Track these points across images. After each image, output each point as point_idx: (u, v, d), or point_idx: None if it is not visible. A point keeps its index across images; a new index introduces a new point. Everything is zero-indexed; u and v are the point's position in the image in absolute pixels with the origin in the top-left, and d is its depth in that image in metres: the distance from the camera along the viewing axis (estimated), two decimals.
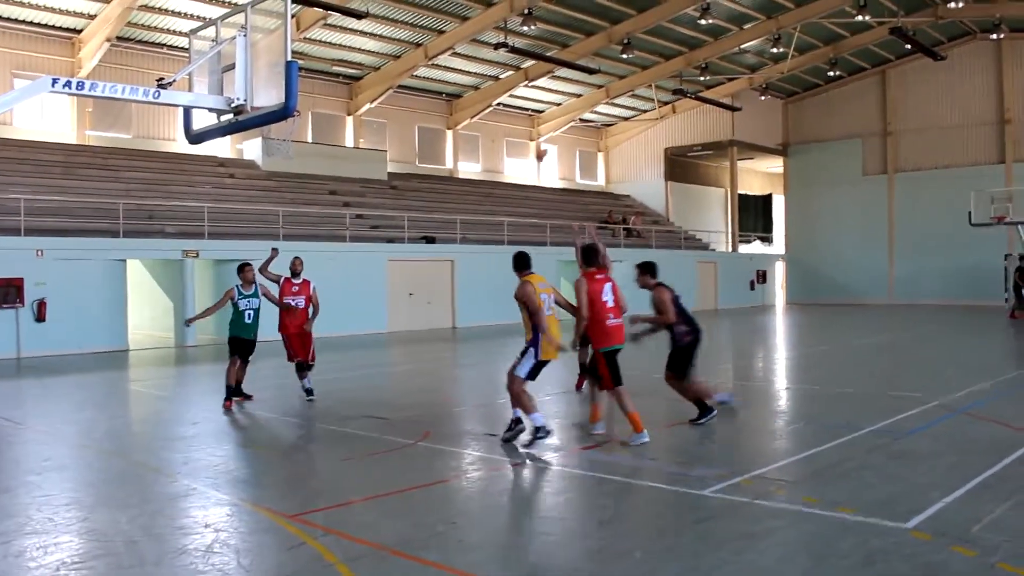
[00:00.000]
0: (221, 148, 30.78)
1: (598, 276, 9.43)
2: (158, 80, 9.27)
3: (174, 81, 9.47)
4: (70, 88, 8.76)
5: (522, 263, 9.39)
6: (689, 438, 9.50)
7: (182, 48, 28.14)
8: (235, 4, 23.50)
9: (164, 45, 29.21)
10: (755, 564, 5.36)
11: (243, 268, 12.61)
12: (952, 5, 32.15)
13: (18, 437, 10.34)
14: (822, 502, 6.53)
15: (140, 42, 28.88)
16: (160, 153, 29.50)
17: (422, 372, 16.99)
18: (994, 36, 37.39)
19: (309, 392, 12.63)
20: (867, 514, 6.18)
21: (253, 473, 8.14)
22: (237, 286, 12.46)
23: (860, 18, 33.12)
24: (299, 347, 12.66)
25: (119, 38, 27.53)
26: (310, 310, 12.94)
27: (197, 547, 5.83)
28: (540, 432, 8.81)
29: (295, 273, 12.92)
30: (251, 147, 31.36)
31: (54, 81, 8.44)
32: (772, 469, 7.81)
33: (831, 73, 41.96)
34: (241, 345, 12.52)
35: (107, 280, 22.04)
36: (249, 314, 12.44)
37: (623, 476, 7.69)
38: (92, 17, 26.75)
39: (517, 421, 9.17)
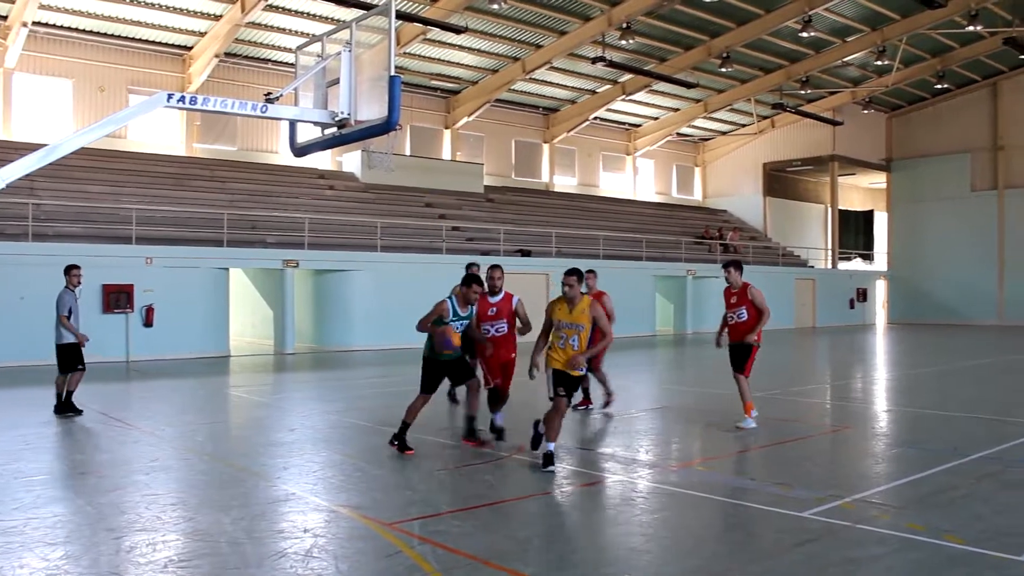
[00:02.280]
0: (322, 161, 31.50)
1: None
2: (266, 95, 9.55)
3: (281, 96, 9.74)
4: (184, 103, 9.09)
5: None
6: (787, 459, 9.31)
7: (286, 63, 28.97)
8: (340, 20, 24.12)
9: (269, 60, 30.10)
10: None
11: (470, 282, 9.47)
12: None
13: (127, 437, 10.71)
14: (928, 529, 6.31)
15: (247, 58, 29.82)
16: (263, 165, 30.36)
17: (515, 386, 17.01)
18: None
19: (500, 433, 10.11)
20: (976, 545, 5.94)
21: (350, 480, 8.26)
22: (450, 299, 9.51)
23: (971, 28, 32.13)
24: (501, 373, 10.26)
25: (227, 54, 28.49)
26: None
27: (297, 551, 5.94)
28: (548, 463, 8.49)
29: (493, 290, 10.19)
30: (351, 160, 32.03)
31: (170, 96, 8.77)
32: (874, 493, 7.59)
33: (938, 86, 40.82)
34: (440, 370, 9.61)
35: (211, 288, 22.75)
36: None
37: (721, 495, 7.57)
38: (202, 34, 27.74)
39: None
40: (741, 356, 11.16)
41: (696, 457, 9.54)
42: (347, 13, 23.33)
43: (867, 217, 49.19)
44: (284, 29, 28.14)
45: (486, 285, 10.02)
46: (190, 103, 9.26)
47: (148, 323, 21.54)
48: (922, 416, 12.76)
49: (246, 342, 26.26)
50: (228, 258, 23.28)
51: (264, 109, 9.44)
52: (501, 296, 10.15)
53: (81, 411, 12.30)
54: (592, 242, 32.65)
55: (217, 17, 26.74)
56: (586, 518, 7.06)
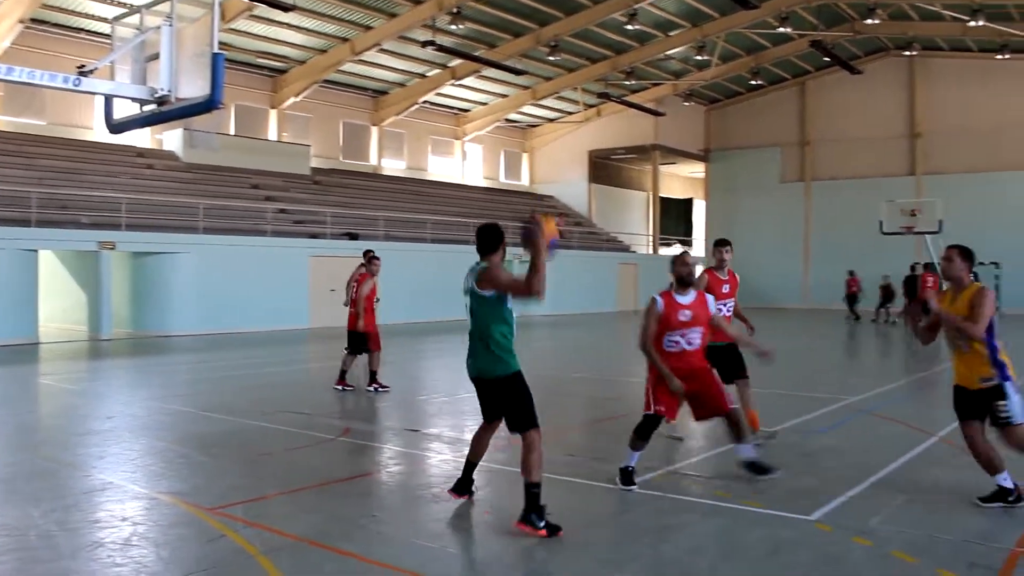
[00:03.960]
0: (140, 138, 30.16)
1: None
2: (79, 67, 9.10)
3: (95, 69, 9.31)
4: None
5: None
6: (608, 435, 9.70)
7: (100, 33, 27.50)
8: None
9: (81, 30, 28.49)
10: (669, 555, 5.55)
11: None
12: (869, 21, 33.23)
13: None
14: (733, 496, 6.78)
15: (56, 25, 28.12)
16: (76, 141, 28.78)
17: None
18: (907, 53, 38.87)
19: (753, 466, 7.27)
20: (775, 508, 6.43)
21: (171, 467, 8.06)
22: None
23: (782, 30, 33.97)
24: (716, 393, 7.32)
25: (33, 20, 26.71)
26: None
27: (114, 540, 5.78)
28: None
29: (684, 283, 7.32)
30: (171, 138, 30.82)
31: None
32: (687, 465, 8.06)
33: (753, 82, 42.92)
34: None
35: (17, 271, 21.42)
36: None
37: (545, 472, 7.80)
38: None
39: None
40: (735, 358, 9.19)
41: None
42: None
43: (687, 205, 51.35)
44: None
45: (673, 278, 7.36)
46: None
47: None
48: (733, 393, 13.48)
49: (56, 328, 24.91)
50: (37, 239, 21.96)
51: (77, 82, 8.99)
52: (695, 295, 7.31)
53: None
54: (420, 226, 32.69)
55: None
56: (412, 497, 7.16)
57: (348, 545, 5.68)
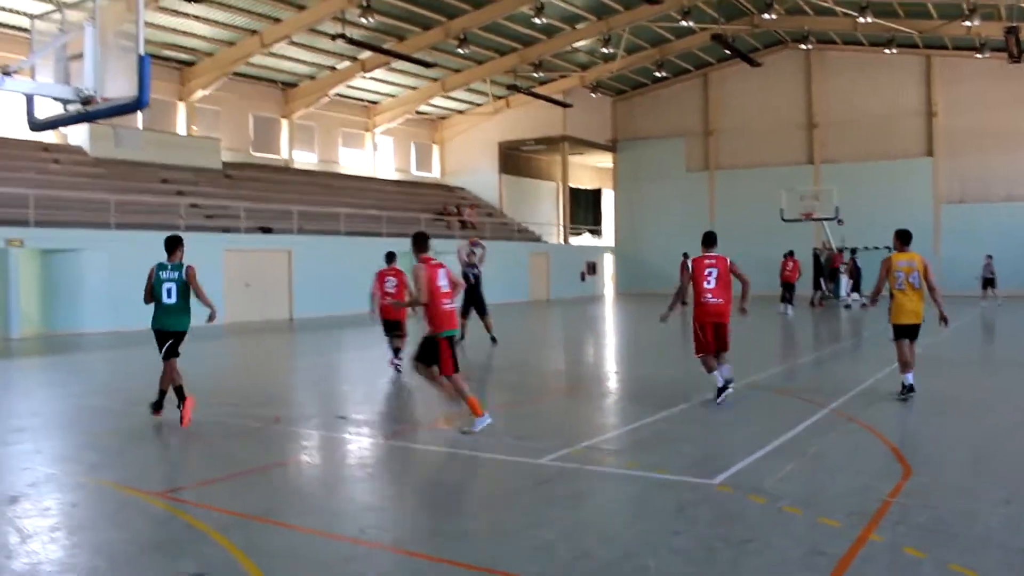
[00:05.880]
0: (45, 132, 29.52)
1: (432, 262, 9.50)
2: (2, 68, 9.23)
3: (20, 69, 9.43)
4: None
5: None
6: (524, 417, 10.28)
7: (16, 27, 26.82)
8: None
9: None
10: (585, 518, 6.15)
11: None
12: (767, 16, 34.46)
13: None
14: (642, 466, 7.43)
15: None
16: None
17: (267, 361, 17.17)
18: (804, 46, 40.40)
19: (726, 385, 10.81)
20: (680, 474, 7.10)
21: (109, 457, 8.34)
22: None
23: (684, 23, 35.01)
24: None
25: None
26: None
27: (69, 526, 6.09)
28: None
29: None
30: (77, 133, 30.26)
31: None
32: (600, 440, 8.67)
33: (657, 74, 43.97)
34: None
35: None
36: None
37: (469, 450, 8.34)
38: None
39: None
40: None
41: (440, 418, 10.30)
42: None
43: (595, 195, 52.39)
44: None
45: None
46: None
47: None
48: (643, 375, 14.22)
49: None
50: None
51: (0, 82, 9.11)
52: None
53: None
54: (333, 219, 32.80)
55: None
56: (349, 476, 7.63)
57: (294, 519, 6.13)
